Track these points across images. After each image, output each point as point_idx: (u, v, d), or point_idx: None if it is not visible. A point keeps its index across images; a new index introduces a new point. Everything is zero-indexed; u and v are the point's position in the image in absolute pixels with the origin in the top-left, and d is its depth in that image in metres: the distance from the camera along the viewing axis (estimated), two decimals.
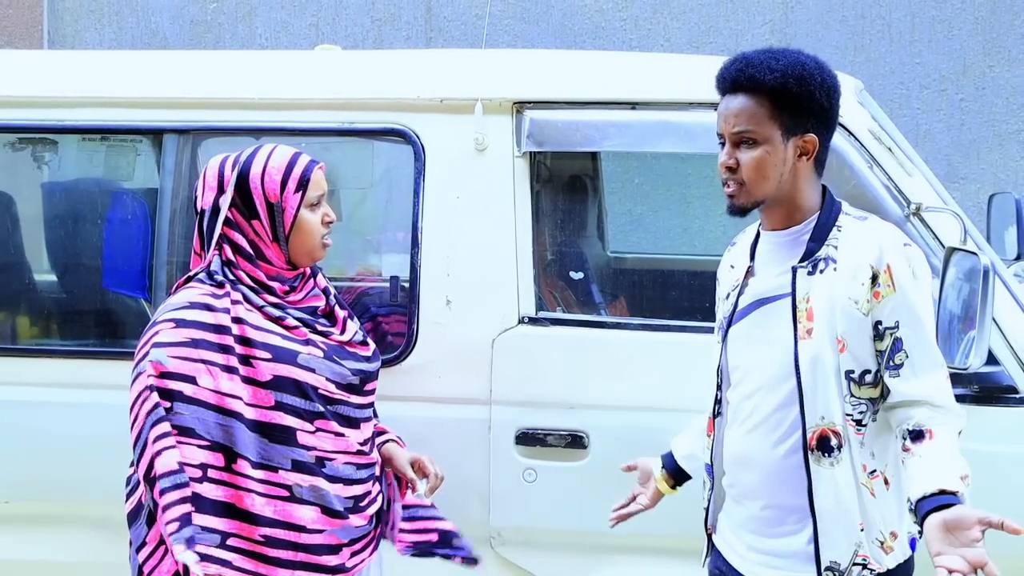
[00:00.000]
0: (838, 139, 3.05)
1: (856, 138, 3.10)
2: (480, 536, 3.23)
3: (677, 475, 2.83)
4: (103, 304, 3.61)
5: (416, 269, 3.23)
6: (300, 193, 2.73)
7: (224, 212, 2.72)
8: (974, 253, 2.72)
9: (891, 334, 2.36)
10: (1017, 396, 3.00)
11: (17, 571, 3.42)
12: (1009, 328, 2.99)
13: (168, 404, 2.57)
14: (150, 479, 2.57)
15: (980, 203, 6.02)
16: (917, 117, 6.91)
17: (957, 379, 2.97)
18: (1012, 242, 4.28)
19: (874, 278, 2.36)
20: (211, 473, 2.60)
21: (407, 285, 3.29)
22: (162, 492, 2.55)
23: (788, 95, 2.37)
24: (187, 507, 2.55)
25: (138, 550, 2.68)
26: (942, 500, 2.22)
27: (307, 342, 2.72)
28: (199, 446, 2.58)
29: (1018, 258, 4.23)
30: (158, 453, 2.56)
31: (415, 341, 3.22)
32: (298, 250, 2.76)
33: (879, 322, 2.36)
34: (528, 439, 3.18)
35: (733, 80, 2.42)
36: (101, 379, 3.33)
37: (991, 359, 2.92)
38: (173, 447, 2.56)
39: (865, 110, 3.21)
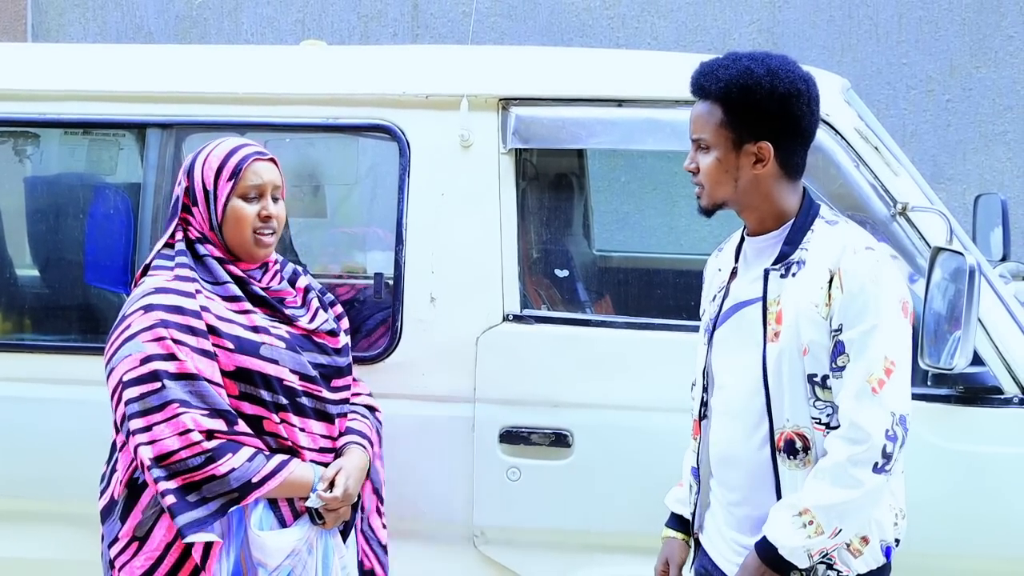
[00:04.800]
0: (824, 138, 3.04)
1: (842, 137, 3.09)
2: (463, 535, 3.22)
3: (683, 524, 2.74)
4: (85, 299, 3.59)
5: (400, 266, 3.22)
6: (231, 182, 2.75)
7: (180, 197, 2.78)
8: (960, 253, 2.72)
9: (835, 336, 2.35)
10: (1002, 396, 2.99)
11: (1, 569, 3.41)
12: (994, 329, 2.99)
13: (159, 384, 2.59)
14: (163, 459, 2.59)
15: (966, 204, 6.01)
16: (904, 117, 6.92)
17: (943, 380, 2.97)
18: (998, 243, 4.28)
19: (830, 281, 2.35)
20: (218, 437, 2.63)
21: (391, 282, 3.27)
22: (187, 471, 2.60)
23: (733, 104, 2.39)
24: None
25: (110, 545, 2.70)
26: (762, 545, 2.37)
27: (267, 331, 2.72)
28: (201, 414, 2.61)
29: (1004, 259, 4.24)
30: (173, 424, 2.59)
31: (399, 338, 3.21)
32: (233, 243, 2.78)
33: (831, 325, 2.36)
34: (512, 437, 3.17)
35: (691, 85, 2.47)
36: (82, 375, 3.30)
37: (976, 359, 2.92)
38: (180, 416, 2.59)
39: (851, 109, 3.21)
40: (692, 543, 2.71)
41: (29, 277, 3.74)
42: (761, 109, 2.38)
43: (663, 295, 3.87)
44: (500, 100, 3.23)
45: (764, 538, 2.36)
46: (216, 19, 7.42)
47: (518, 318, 3.20)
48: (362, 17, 7.33)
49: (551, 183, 4.12)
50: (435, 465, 3.19)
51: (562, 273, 3.78)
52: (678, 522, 2.73)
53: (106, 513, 2.73)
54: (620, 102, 3.21)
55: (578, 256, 4.18)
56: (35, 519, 3.36)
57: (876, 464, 2.30)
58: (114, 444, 2.75)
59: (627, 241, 6.59)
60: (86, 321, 3.62)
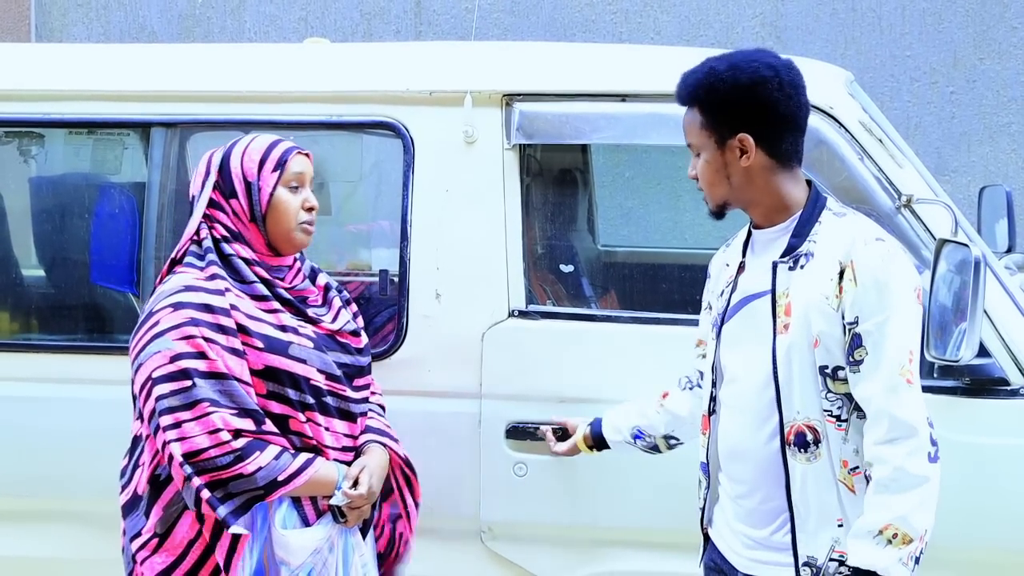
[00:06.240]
0: (828, 131, 3.04)
1: (846, 129, 3.09)
2: (470, 531, 3.23)
3: (599, 442, 2.99)
4: (91, 299, 3.59)
5: (406, 263, 3.22)
6: (277, 173, 2.77)
7: (208, 193, 2.76)
8: (965, 245, 2.71)
9: (851, 329, 2.35)
10: (1008, 388, 2.99)
11: (2, 568, 3.41)
12: (1000, 320, 2.99)
13: (189, 383, 2.59)
14: (194, 457, 2.59)
15: (971, 196, 6.01)
16: (907, 110, 6.91)
17: (949, 371, 2.97)
18: (1003, 234, 4.28)
19: (841, 273, 2.36)
20: (246, 436, 2.63)
21: (396, 279, 3.28)
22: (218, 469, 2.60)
23: (704, 104, 2.45)
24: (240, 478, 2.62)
25: (132, 539, 2.70)
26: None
27: (296, 331, 2.73)
28: (231, 413, 2.61)
29: (1009, 250, 4.24)
30: (203, 423, 2.59)
31: (405, 335, 3.21)
32: (276, 233, 2.78)
33: (843, 317, 2.36)
34: (518, 433, 3.17)
35: (676, 97, 2.53)
36: (89, 374, 3.32)
37: (982, 351, 2.92)
38: (210, 415, 2.59)
39: (855, 101, 3.20)
40: (596, 448, 2.98)
41: (35, 277, 3.74)
42: (729, 102, 2.41)
43: (668, 290, 3.87)
44: (504, 96, 3.23)
45: (856, 569, 2.32)
46: (219, 18, 7.42)
47: (523, 314, 3.20)
48: (365, 14, 7.33)
49: (555, 179, 4.12)
50: (442, 461, 3.19)
51: (567, 268, 3.78)
52: (596, 424, 2.99)
53: (129, 508, 2.73)
54: (624, 97, 3.21)
55: (583, 251, 4.18)
56: (42, 518, 3.37)
57: (930, 454, 2.31)
58: (135, 438, 2.76)
59: (632, 236, 6.59)
60: (92, 321, 3.63)
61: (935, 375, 3.00)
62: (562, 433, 3.13)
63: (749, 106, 2.40)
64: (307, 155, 2.85)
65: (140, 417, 2.70)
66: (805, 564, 2.40)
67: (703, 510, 2.65)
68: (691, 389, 2.84)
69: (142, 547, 2.68)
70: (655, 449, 2.92)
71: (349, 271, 3.99)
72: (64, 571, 3.38)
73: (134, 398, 2.73)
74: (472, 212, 3.21)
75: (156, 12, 7.46)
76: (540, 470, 3.18)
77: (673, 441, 2.90)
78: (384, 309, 3.38)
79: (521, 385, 3.18)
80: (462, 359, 3.19)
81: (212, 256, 2.73)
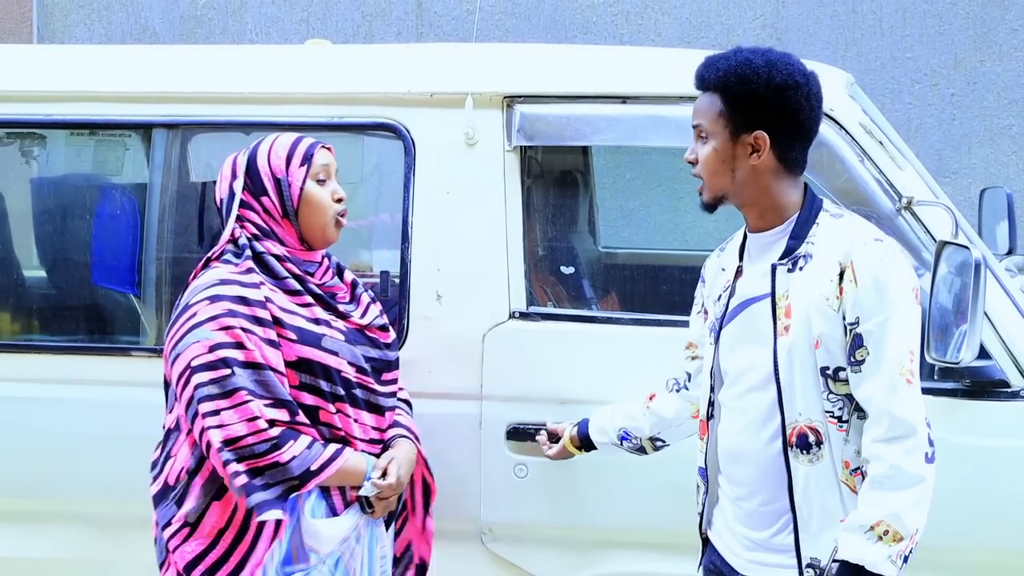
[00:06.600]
0: (829, 133, 3.04)
1: (847, 131, 3.09)
2: (471, 532, 3.23)
3: (586, 442, 3.00)
4: (92, 300, 3.60)
5: (406, 264, 3.22)
6: (305, 167, 2.82)
7: (239, 194, 2.80)
8: (965, 247, 2.71)
9: (851, 330, 2.35)
10: (1009, 390, 2.99)
11: (2, 568, 3.41)
12: (1000, 322, 2.99)
13: (228, 371, 2.64)
14: (235, 444, 2.63)
15: (971, 198, 6.01)
16: (908, 112, 6.91)
17: (949, 373, 2.97)
18: (1003, 236, 4.28)
19: (841, 274, 2.36)
20: (279, 425, 2.68)
21: (397, 280, 3.28)
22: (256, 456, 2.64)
23: (731, 93, 2.42)
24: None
25: (164, 528, 2.74)
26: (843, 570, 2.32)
27: (328, 324, 2.78)
28: (265, 404, 2.66)
29: (1009, 252, 4.24)
30: (241, 411, 2.63)
31: (405, 336, 3.21)
32: (310, 227, 2.83)
33: (844, 318, 2.36)
34: (519, 434, 3.18)
35: (695, 79, 2.51)
36: (90, 375, 3.32)
37: (983, 353, 2.92)
38: (248, 403, 2.63)
39: (856, 103, 3.20)
40: (584, 449, 3.00)
41: (36, 278, 3.74)
42: (758, 98, 2.40)
43: (668, 291, 3.86)
44: (504, 98, 3.23)
45: (844, 562, 2.32)
46: (221, 19, 7.42)
47: (524, 315, 3.20)
48: (366, 16, 7.33)
49: (556, 180, 4.12)
50: (442, 462, 3.19)
51: (568, 270, 3.78)
52: (583, 425, 3.00)
53: (159, 497, 2.77)
54: (624, 99, 3.22)
55: (583, 253, 4.18)
56: (42, 518, 3.37)
57: (927, 454, 2.31)
58: (168, 431, 2.79)
59: (632, 237, 6.59)
60: (93, 322, 3.63)
61: (935, 377, 3.00)
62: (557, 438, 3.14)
63: (775, 107, 2.40)
64: (329, 149, 2.90)
65: (177, 407, 2.73)
66: (808, 566, 2.41)
67: (702, 514, 2.66)
68: (678, 391, 2.85)
69: (174, 535, 2.72)
70: (641, 451, 2.93)
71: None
72: (64, 571, 3.39)
73: (165, 390, 2.79)
74: (473, 214, 3.21)
75: (158, 13, 7.47)
76: (541, 471, 3.18)
77: (659, 443, 2.91)
78: (385, 310, 3.39)
79: (522, 386, 3.18)
80: (463, 360, 3.19)
81: (248, 252, 2.77)
